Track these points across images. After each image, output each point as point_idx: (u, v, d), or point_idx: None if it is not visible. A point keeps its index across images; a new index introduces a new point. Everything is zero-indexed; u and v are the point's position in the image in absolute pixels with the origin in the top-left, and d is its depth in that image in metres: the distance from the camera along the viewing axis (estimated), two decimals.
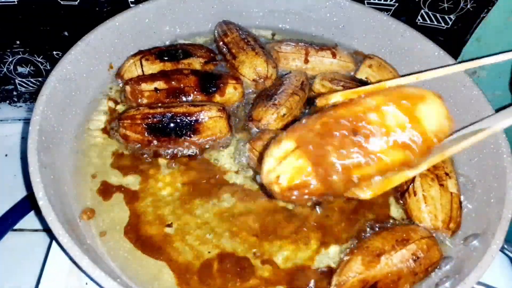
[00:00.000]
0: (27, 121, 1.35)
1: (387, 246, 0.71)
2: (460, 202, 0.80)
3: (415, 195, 0.79)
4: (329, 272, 0.73)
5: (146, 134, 0.82)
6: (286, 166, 0.51)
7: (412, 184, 0.80)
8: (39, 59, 1.23)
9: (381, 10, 1.08)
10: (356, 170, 0.52)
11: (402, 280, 0.69)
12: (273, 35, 1.11)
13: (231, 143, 0.87)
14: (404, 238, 0.72)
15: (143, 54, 0.93)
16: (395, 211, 0.82)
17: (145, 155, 0.84)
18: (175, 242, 0.75)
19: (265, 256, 0.75)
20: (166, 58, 0.93)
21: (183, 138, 0.83)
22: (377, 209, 0.82)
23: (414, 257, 0.70)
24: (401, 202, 0.82)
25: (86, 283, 0.79)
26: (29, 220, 1.15)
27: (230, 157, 0.85)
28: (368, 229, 0.79)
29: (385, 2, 1.12)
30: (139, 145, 0.84)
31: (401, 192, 0.82)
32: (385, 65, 0.99)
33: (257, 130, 0.87)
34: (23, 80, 1.29)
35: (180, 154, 0.85)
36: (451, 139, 0.64)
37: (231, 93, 0.90)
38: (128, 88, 0.88)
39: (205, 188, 0.81)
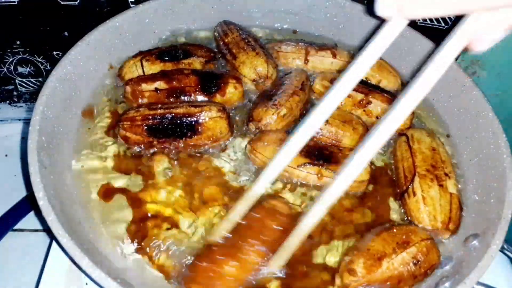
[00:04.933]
0: (27, 121, 1.35)
1: (388, 249, 0.70)
2: (460, 203, 0.80)
3: (414, 195, 0.79)
4: (327, 270, 0.73)
5: (146, 135, 0.82)
6: None
7: (411, 184, 0.80)
8: (39, 59, 1.23)
9: None
10: None
11: (401, 283, 0.70)
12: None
13: (231, 143, 0.87)
14: (404, 240, 0.71)
15: (143, 55, 0.93)
16: (395, 211, 0.82)
17: (146, 156, 0.84)
18: (173, 244, 0.74)
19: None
20: (166, 58, 0.93)
21: (183, 138, 0.83)
22: (376, 209, 0.82)
23: (414, 260, 0.70)
24: (401, 202, 0.82)
25: (86, 283, 0.79)
26: (29, 220, 1.15)
27: (230, 158, 0.85)
28: (367, 229, 0.78)
29: None
30: (140, 146, 0.84)
31: (401, 192, 0.82)
32: (385, 65, 0.99)
33: (257, 130, 0.87)
34: (23, 80, 1.29)
35: (180, 154, 0.85)
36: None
37: (231, 92, 0.90)
38: (128, 88, 0.88)
39: (206, 188, 0.81)
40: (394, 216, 0.81)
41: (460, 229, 0.79)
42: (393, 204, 0.83)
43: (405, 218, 0.81)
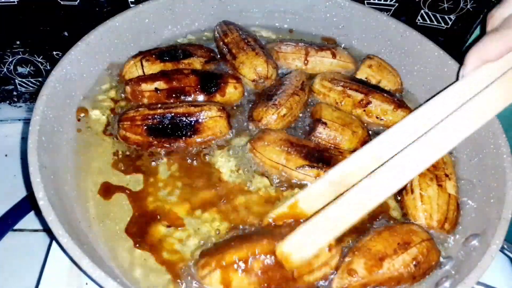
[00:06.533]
0: (27, 121, 1.36)
1: (389, 249, 0.70)
2: (458, 205, 0.80)
3: (412, 193, 0.79)
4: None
5: (146, 135, 0.82)
6: None
7: (410, 181, 0.80)
8: (39, 59, 1.23)
9: (381, 10, 1.08)
10: None
11: (401, 284, 0.70)
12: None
13: (231, 143, 0.87)
14: (405, 241, 0.71)
15: (143, 55, 0.93)
16: (394, 208, 0.82)
17: (145, 155, 0.84)
18: (174, 243, 0.75)
19: None
20: (166, 58, 0.93)
21: (183, 138, 0.83)
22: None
23: (415, 261, 0.70)
24: (399, 199, 0.82)
25: (86, 283, 0.79)
26: (29, 220, 1.15)
27: (230, 157, 0.85)
28: (366, 227, 0.78)
29: (385, 2, 1.12)
30: (139, 145, 0.84)
31: (399, 189, 0.82)
32: (385, 65, 0.99)
33: (257, 130, 0.87)
34: (23, 80, 1.29)
35: (180, 154, 0.85)
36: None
37: (231, 92, 0.90)
38: (128, 88, 0.88)
39: (205, 188, 0.81)
40: (393, 213, 0.81)
41: (460, 229, 0.79)
42: (391, 201, 0.83)
43: (402, 215, 0.80)
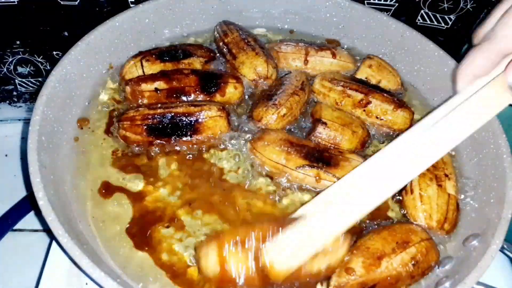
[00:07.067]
0: (27, 121, 1.36)
1: (387, 248, 0.70)
2: (458, 205, 0.80)
3: (411, 193, 0.79)
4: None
5: (146, 135, 0.82)
6: None
7: (409, 182, 0.80)
8: (39, 59, 1.23)
9: (381, 10, 1.09)
10: None
11: (399, 283, 0.70)
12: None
13: (231, 143, 0.87)
14: (404, 240, 0.71)
15: (143, 55, 0.93)
16: (393, 208, 0.82)
17: (145, 155, 0.84)
18: (173, 243, 0.75)
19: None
20: (166, 58, 0.93)
21: (183, 138, 0.83)
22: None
23: (413, 261, 0.70)
24: (399, 199, 0.82)
25: (86, 283, 0.79)
26: (29, 220, 1.15)
27: (230, 157, 0.85)
28: (366, 226, 0.78)
29: (385, 2, 1.12)
30: (139, 145, 0.84)
31: (399, 190, 0.82)
32: (385, 65, 0.99)
33: (257, 129, 0.87)
34: (23, 80, 1.29)
35: (180, 153, 0.85)
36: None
37: (231, 92, 0.90)
38: (128, 88, 0.88)
39: (205, 187, 0.81)
40: (393, 213, 0.81)
41: (460, 229, 0.79)
42: (391, 201, 0.83)
43: (402, 216, 0.80)
